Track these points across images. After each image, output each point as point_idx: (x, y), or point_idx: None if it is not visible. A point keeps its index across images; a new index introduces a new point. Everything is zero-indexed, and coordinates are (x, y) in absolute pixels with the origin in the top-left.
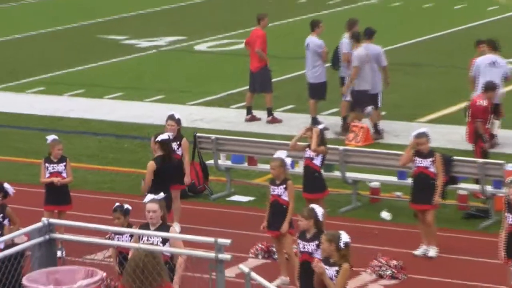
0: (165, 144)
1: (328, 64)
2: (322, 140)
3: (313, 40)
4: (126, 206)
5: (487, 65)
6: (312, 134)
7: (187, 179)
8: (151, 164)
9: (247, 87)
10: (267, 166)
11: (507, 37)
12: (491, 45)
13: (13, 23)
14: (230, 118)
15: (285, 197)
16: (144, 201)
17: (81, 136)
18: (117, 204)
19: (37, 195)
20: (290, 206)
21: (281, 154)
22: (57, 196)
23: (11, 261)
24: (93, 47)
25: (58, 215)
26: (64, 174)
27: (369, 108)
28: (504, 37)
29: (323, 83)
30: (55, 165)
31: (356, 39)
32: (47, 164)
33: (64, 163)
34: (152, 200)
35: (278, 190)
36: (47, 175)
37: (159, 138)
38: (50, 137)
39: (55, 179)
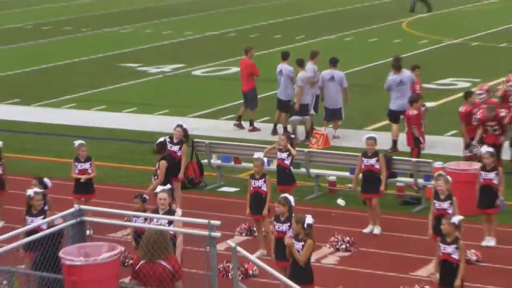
0: (159, 145)
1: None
2: (291, 145)
3: (285, 67)
4: (145, 195)
5: (395, 84)
6: (282, 142)
7: (180, 175)
8: (164, 163)
9: (234, 103)
10: (249, 164)
11: (432, 64)
12: (395, 67)
13: (54, 55)
14: (220, 127)
15: (264, 188)
16: (156, 191)
17: (105, 142)
18: (138, 193)
19: (69, 187)
20: (268, 195)
21: (259, 154)
22: (84, 188)
23: (51, 238)
24: (114, 73)
25: (85, 202)
26: (89, 171)
27: (297, 118)
28: (430, 64)
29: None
30: (82, 163)
31: (300, 64)
32: (76, 163)
33: (90, 162)
34: (163, 190)
35: (259, 183)
36: (76, 171)
37: (158, 140)
38: (77, 142)
39: (82, 177)
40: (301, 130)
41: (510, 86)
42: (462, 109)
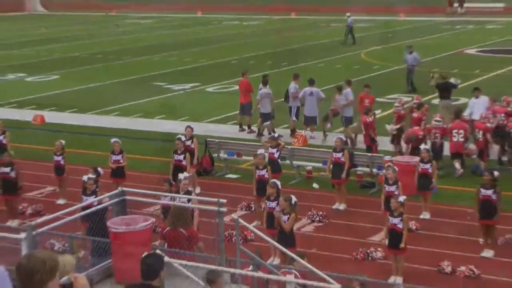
0: (185, 145)
1: (281, 99)
2: (278, 140)
3: (263, 89)
4: (171, 180)
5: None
6: (272, 143)
7: (194, 161)
8: (189, 155)
9: (236, 112)
10: (248, 158)
11: (383, 83)
12: (348, 84)
13: (103, 76)
14: (226, 130)
15: (266, 176)
16: (179, 177)
17: (140, 141)
18: (167, 178)
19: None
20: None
21: (261, 150)
22: (117, 173)
23: (101, 212)
24: (147, 89)
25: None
26: (121, 161)
27: (267, 123)
28: (381, 83)
29: (271, 112)
30: (116, 155)
31: (264, 83)
32: (111, 155)
33: (122, 155)
34: (185, 178)
35: (262, 172)
36: (111, 161)
37: (181, 140)
38: (112, 139)
39: (113, 166)
40: (287, 132)
41: (414, 103)
42: (415, 115)
